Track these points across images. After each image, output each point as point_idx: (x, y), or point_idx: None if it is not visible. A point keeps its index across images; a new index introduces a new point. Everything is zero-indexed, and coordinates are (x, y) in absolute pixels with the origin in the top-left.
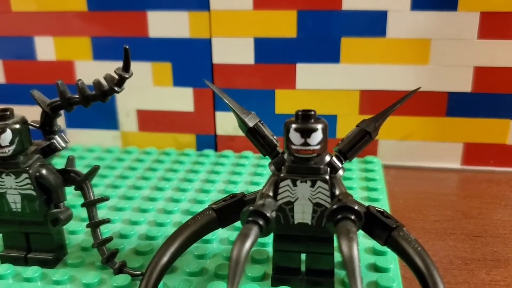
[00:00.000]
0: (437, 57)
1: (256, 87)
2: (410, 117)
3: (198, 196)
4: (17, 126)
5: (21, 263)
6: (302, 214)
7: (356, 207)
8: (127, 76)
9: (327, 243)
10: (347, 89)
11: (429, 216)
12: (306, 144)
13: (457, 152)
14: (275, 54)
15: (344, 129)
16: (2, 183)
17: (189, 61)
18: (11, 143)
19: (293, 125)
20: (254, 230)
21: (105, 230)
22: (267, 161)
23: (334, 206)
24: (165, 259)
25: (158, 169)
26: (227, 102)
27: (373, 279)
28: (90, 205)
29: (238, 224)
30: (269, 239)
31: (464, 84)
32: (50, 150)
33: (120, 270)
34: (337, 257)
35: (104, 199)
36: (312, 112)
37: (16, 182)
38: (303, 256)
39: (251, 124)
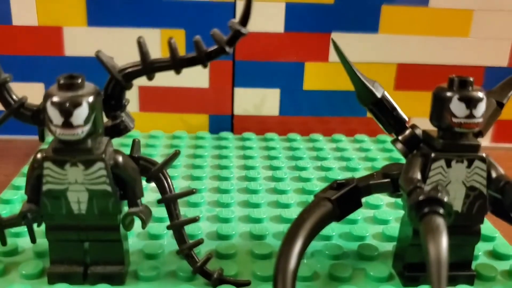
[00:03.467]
0: (478, 29)
1: (283, 60)
2: None
3: (250, 185)
4: (92, 98)
5: (78, 281)
6: (453, 200)
7: None
8: (245, 32)
9: (471, 234)
10: (384, 62)
11: None
12: (471, 116)
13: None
14: (308, 22)
15: None
16: (64, 176)
17: (207, 28)
18: (86, 121)
19: (456, 94)
20: (441, 221)
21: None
22: (299, 144)
23: None
24: (293, 262)
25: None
26: (351, 66)
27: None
28: (173, 200)
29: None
30: None
31: (501, 58)
32: (117, 132)
33: (220, 280)
34: None
35: (192, 191)
36: (471, 79)
37: (85, 175)
38: None
39: (379, 95)
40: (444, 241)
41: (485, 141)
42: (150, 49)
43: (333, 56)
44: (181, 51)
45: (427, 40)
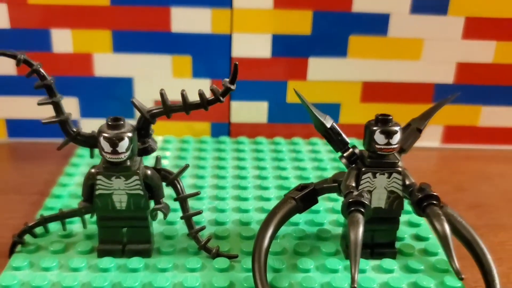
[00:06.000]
0: (428, 54)
1: (270, 79)
2: (402, 104)
3: (242, 182)
4: (131, 134)
5: (118, 255)
6: (378, 200)
7: (436, 194)
8: (233, 88)
9: (392, 222)
10: (351, 81)
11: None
12: (388, 143)
13: (438, 133)
14: (290, 49)
15: (347, 115)
16: (111, 185)
17: (209, 54)
18: (127, 149)
19: (378, 128)
20: (360, 217)
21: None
22: (282, 146)
23: (420, 196)
24: (266, 242)
25: (186, 157)
26: (307, 104)
27: (422, 246)
28: (184, 199)
29: None
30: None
31: (447, 76)
32: (146, 152)
33: (217, 254)
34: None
35: (196, 193)
36: (390, 117)
37: (126, 184)
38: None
39: (328, 125)
40: (360, 230)
41: (435, 143)
42: (162, 70)
43: (310, 75)
44: (188, 72)
45: (386, 63)
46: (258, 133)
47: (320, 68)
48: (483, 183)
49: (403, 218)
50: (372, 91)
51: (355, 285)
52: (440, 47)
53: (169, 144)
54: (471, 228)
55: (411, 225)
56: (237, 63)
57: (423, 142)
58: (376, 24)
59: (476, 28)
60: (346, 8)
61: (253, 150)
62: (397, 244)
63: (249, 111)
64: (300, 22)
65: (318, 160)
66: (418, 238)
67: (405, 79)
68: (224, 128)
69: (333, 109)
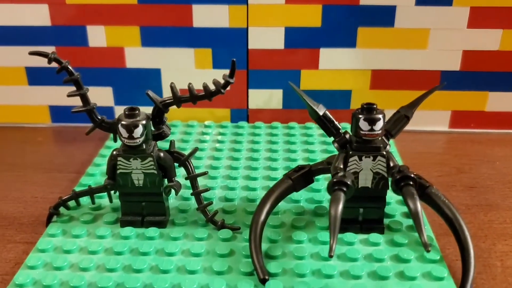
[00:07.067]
0: (434, 43)
1: (284, 68)
2: (411, 91)
3: (253, 164)
4: (145, 122)
5: (138, 225)
6: (365, 180)
7: (413, 176)
8: (232, 81)
9: (379, 201)
10: (361, 69)
11: (433, 172)
12: (372, 130)
13: (446, 118)
14: (302, 41)
15: (358, 101)
16: (129, 165)
17: (228, 47)
18: (141, 135)
19: (362, 116)
20: (342, 195)
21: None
22: (295, 131)
23: (398, 176)
24: (262, 217)
25: (207, 140)
26: (301, 94)
27: (410, 223)
28: (194, 178)
29: None
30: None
31: (454, 64)
32: (160, 137)
33: (222, 226)
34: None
35: (204, 173)
36: (375, 106)
37: (142, 164)
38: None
39: (321, 113)
40: (340, 207)
41: (444, 127)
42: (185, 62)
43: (322, 65)
44: (209, 64)
45: (394, 52)
46: (274, 118)
47: (331, 58)
48: (483, 165)
49: (395, 197)
50: (381, 79)
51: (332, 254)
52: (446, 36)
53: (192, 128)
54: (453, 208)
55: (402, 203)
56: (234, 59)
57: (432, 126)
58: (383, 16)
59: (481, 17)
60: (354, 1)
61: (268, 134)
62: (386, 221)
63: (265, 98)
64: (310, 16)
65: (327, 144)
66: (408, 215)
67: (412, 67)
68: (243, 114)
69: (345, 96)
